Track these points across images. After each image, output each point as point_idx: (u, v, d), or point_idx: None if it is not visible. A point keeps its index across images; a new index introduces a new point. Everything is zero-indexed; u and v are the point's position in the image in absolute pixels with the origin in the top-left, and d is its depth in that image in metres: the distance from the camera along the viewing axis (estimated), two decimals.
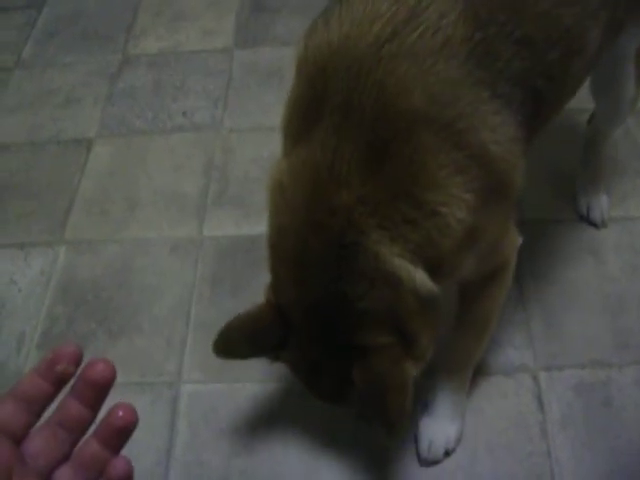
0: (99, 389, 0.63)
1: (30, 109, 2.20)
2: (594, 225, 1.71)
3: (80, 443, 0.64)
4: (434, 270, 1.02)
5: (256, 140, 1.95)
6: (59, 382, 0.63)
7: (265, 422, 1.45)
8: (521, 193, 1.13)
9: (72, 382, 0.63)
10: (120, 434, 0.62)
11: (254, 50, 2.27)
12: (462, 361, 1.37)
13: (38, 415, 0.63)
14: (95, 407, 0.64)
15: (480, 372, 1.46)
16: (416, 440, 1.38)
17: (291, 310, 1.08)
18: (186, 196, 1.88)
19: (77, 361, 0.64)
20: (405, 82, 0.95)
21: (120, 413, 0.62)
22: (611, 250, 1.68)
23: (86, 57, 2.34)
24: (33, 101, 2.22)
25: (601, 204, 1.71)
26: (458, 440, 1.38)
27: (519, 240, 1.22)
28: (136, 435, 0.63)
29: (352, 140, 0.96)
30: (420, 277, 1.01)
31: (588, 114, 1.75)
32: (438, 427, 1.37)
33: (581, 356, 1.50)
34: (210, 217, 1.82)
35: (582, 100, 1.51)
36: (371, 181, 0.96)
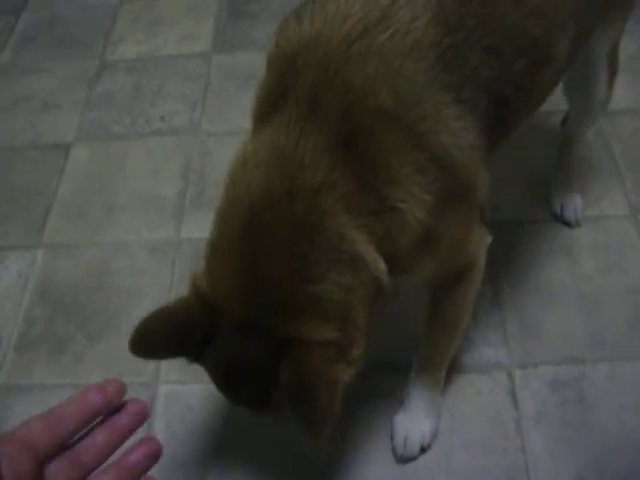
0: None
1: (8, 114, 2.20)
2: (568, 225, 1.73)
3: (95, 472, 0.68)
4: (390, 266, 1.02)
5: (234, 143, 1.89)
6: (92, 415, 0.67)
7: (242, 421, 1.45)
8: (489, 196, 1.14)
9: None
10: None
11: (232, 55, 2.29)
12: (435, 359, 1.38)
13: (65, 440, 0.66)
14: (121, 444, 0.68)
15: (455, 370, 1.48)
16: (391, 437, 1.40)
17: (225, 295, 1.01)
18: (164, 199, 1.89)
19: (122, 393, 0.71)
20: (372, 81, 0.97)
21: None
22: (585, 249, 1.70)
23: (64, 63, 2.35)
24: (11, 107, 2.22)
25: (575, 204, 1.73)
26: (434, 436, 1.39)
27: (488, 240, 1.23)
28: None
29: (318, 129, 0.97)
30: (383, 267, 1.01)
31: (562, 115, 1.77)
32: (413, 423, 1.38)
33: (555, 353, 1.52)
34: (188, 219, 1.83)
35: (556, 102, 1.53)
36: (339, 168, 0.96)
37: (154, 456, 0.72)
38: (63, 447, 0.66)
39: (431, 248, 1.08)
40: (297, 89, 1.00)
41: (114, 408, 0.72)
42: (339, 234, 0.97)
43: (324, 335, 0.98)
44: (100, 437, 0.70)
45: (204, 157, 1.98)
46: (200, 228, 1.75)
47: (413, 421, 1.38)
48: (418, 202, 1.00)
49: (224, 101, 2.14)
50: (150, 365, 1.55)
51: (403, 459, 1.38)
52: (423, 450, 1.38)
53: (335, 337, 0.99)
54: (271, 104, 1.05)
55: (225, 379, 1.08)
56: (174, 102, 2.16)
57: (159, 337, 1.03)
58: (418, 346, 1.37)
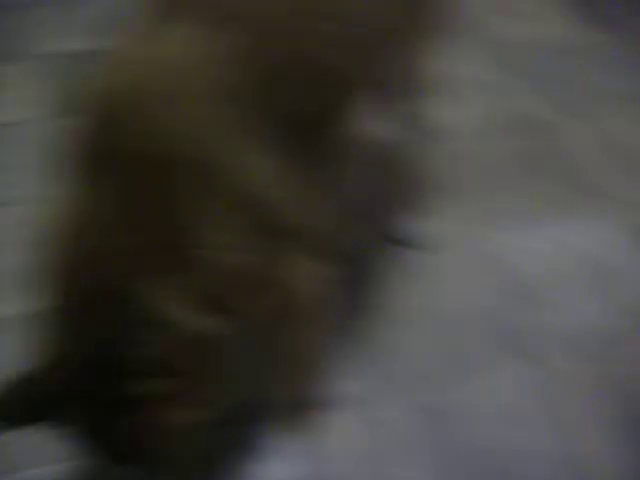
0: None
1: None
2: (416, 249, 1.74)
3: None
4: (214, 309, 1.00)
5: None
6: None
7: None
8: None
9: None
10: None
11: None
12: (289, 401, 1.35)
13: None
14: None
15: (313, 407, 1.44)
16: None
17: (64, 363, 1.00)
18: None
19: None
20: (164, 124, 0.96)
21: None
22: (439, 271, 1.72)
23: None
24: None
25: (416, 229, 1.74)
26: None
27: (324, 272, 1.19)
28: None
29: (112, 189, 0.96)
30: (196, 319, 0.99)
31: None
32: (279, 468, 1.34)
33: (411, 376, 1.51)
34: None
35: None
36: (134, 230, 0.95)
37: None
38: None
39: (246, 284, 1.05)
40: (94, 141, 0.99)
41: None
42: (143, 299, 0.96)
43: (158, 386, 0.97)
44: None
45: None
46: None
47: (279, 466, 1.34)
48: (227, 245, 0.99)
49: None
50: None
51: None
52: None
53: (169, 390, 0.98)
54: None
55: (84, 439, 1.06)
56: None
57: (17, 407, 1.00)
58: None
